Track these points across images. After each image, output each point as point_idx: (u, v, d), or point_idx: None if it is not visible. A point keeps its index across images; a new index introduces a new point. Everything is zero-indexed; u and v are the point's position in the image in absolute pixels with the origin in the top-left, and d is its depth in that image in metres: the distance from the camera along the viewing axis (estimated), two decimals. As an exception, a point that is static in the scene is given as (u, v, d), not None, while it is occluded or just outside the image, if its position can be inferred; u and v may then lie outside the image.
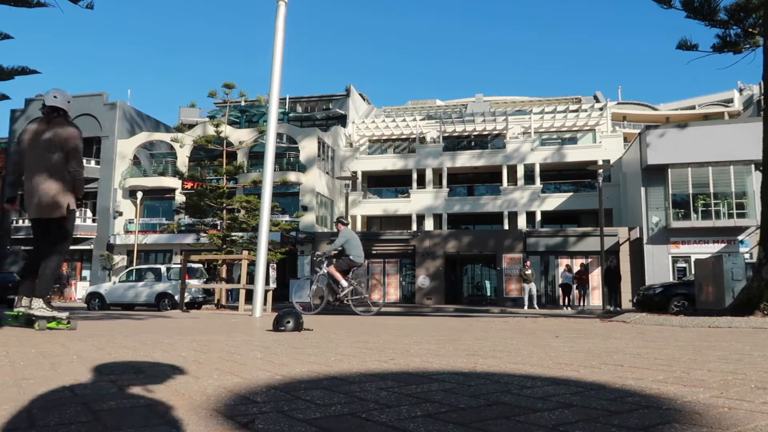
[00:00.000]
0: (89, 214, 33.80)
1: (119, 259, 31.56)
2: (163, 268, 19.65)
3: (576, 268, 23.75)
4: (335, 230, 33.69)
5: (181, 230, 29.31)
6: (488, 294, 32.20)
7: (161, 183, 32.20)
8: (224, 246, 23.09)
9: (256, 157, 31.24)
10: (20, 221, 33.24)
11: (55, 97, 4.69)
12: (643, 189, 24.85)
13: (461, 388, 1.71)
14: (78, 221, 32.92)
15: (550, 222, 33.11)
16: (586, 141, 34.92)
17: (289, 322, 4.72)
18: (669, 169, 24.23)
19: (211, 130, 27.84)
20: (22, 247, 33.12)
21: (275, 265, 25.33)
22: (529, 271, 21.46)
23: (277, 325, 4.71)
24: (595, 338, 3.93)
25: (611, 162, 30.80)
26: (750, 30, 11.47)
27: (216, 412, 1.36)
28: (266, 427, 1.21)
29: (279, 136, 30.92)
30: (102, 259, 31.69)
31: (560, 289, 23.05)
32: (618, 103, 52.21)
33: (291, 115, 37.84)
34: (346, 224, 10.56)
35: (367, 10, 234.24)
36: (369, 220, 36.45)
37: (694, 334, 4.50)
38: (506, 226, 31.97)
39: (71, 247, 33.13)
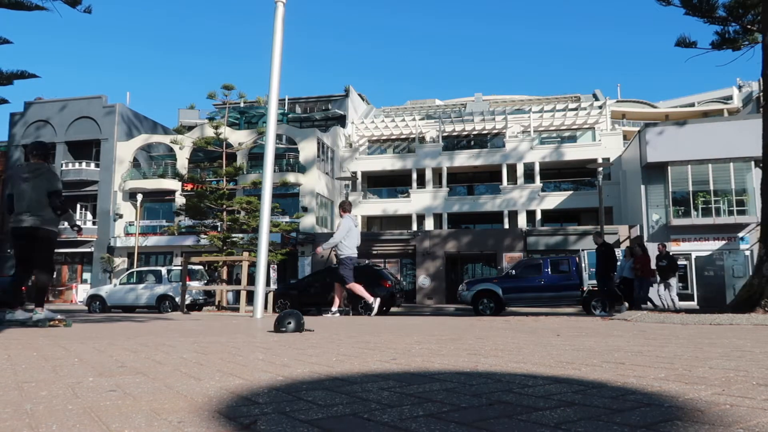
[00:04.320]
0: (90, 216, 33.80)
1: (120, 262, 31.57)
2: (163, 270, 19.66)
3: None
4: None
5: (181, 232, 29.32)
6: None
7: (161, 185, 32.19)
8: (225, 247, 23.09)
9: (255, 158, 31.23)
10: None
11: None
12: (643, 187, 24.84)
13: (463, 387, 1.71)
14: (79, 224, 32.97)
15: (551, 221, 33.09)
16: (585, 139, 34.92)
17: (290, 323, 4.71)
18: (669, 167, 24.23)
19: (210, 132, 27.84)
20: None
21: (276, 266, 25.33)
22: None
23: (278, 326, 4.70)
24: (596, 336, 3.93)
25: (611, 160, 30.80)
26: (749, 27, 11.47)
27: (218, 413, 1.36)
28: (268, 428, 1.21)
29: (278, 137, 30.91)
30: (102, 261, 31.69)
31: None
32: (617, 101, 52.21)
33: (290, 116, 37.84)
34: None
35: (366, 10, 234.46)
36: (369, 220, 36.45)
37: (695, 332, 4.50)
38: (506, 225, 31.96)
39: (72, 250, 33.23)
